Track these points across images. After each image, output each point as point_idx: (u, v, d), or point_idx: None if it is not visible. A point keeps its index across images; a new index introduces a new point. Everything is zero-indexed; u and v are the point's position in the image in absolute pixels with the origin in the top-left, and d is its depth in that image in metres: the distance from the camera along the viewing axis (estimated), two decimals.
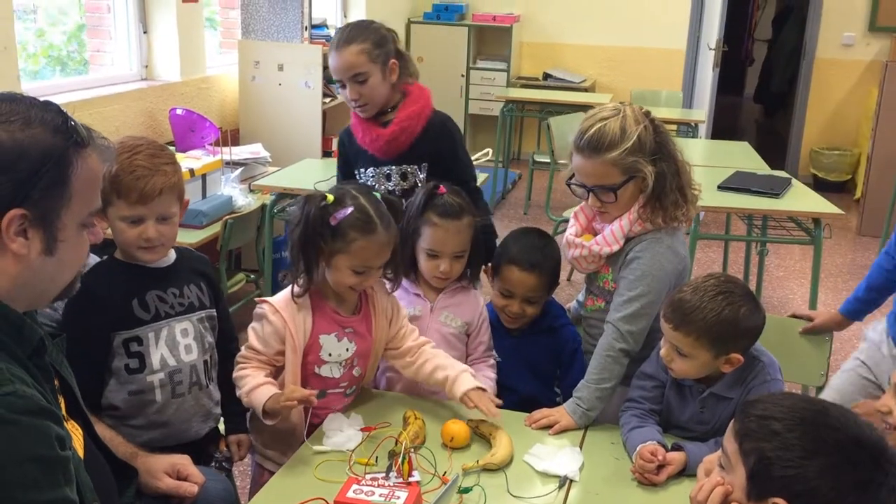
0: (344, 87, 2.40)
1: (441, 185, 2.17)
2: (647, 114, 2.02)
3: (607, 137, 1.95)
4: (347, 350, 1.95)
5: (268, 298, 1.96)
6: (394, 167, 2.48)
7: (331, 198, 1.87)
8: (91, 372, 1.81)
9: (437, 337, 2.14)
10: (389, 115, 2.45)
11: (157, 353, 1.88)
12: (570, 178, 2.08)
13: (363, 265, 1.87)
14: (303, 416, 1.90)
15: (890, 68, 6.17)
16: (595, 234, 2.12)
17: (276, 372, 1.93)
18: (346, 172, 2.59)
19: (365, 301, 2.00)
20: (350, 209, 1.85)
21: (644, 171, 1.96)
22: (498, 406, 1.89)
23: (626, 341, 1.98)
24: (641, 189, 2.00)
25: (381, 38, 2.40)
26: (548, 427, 1.94)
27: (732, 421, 1.28)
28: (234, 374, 1.91)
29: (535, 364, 2.21)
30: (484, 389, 1.92)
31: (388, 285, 2.05)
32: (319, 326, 1.92)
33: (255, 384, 1.86)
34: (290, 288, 1.92)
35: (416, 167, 2.47)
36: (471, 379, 1.93)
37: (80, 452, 1.32)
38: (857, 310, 2.37)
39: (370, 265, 1.88)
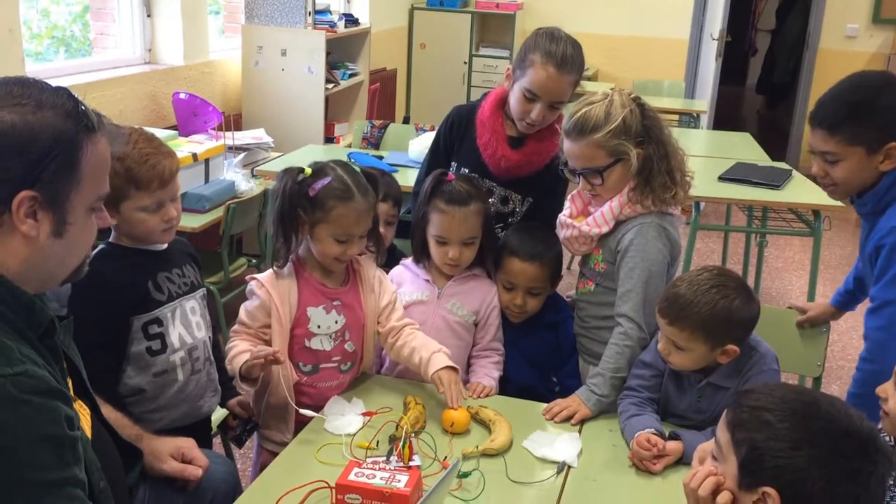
0: (530, 100, 2.20)
1: (449, 173, 2.18)
2: (636, 99, 2.04)
3: (592, 120, 1.98)
4: (336, 322, 1.98)
5: (256, 275, 2.01)
6: (499, 187, 2.36)
7: (308, 170, 1.93)
8: (109, 357, 1.84)
9: (442, 325, 2.16)
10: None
11: (176, 333, 1.92)
12: (564, 163, 2.11)
13: (344, 233, 1.91)
14: (285, 383, 1.90)
15: (893, 60, 6.19)
16: (589, 217, 2.13)
17: (266, 345, 1.95)
18: (442, 155, 2.41)
19: (353, 274, 2.04)
20: (328, 179, 1.90)
21: (629, 153, 1.99)
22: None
23: (641, 330, 2.00)
24: (630, 171, 2.02)
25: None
26: (562, 416, 1.94)
27: (725, 411, 1.30)
28: (225, 348, 1.98)
29: (535, 356, 2.23)
30: (456, 370, 1.94)
31: (373, 258, 2.07)
32: (306, 299, 1.96)
33: (235, 352, 1.92)
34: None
35: (520, 198, 2.37)
36: (443, 359, 1.95)
37: (88, 432, 1.34)
38: (847, 301, 2.39)
39: (351, 232, 1.92)
